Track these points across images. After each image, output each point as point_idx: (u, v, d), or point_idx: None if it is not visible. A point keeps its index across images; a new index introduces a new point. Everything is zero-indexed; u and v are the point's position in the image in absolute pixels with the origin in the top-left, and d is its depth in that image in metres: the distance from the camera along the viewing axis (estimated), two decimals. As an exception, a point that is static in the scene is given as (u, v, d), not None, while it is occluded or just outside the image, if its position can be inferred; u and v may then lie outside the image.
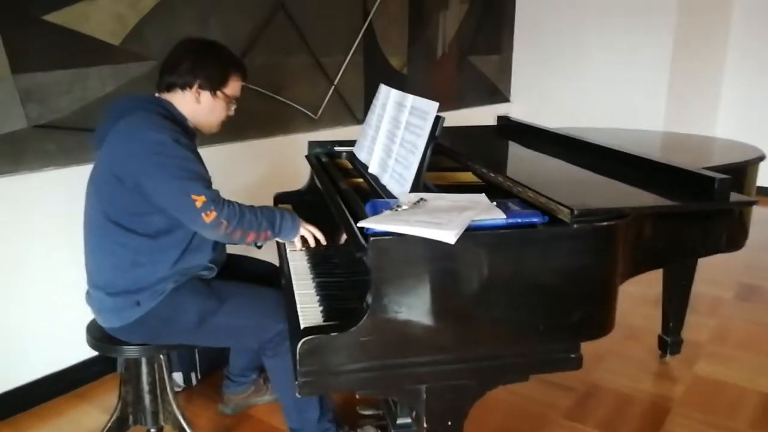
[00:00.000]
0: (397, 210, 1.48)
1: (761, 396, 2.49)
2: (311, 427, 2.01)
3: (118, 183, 1.76)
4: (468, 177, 2.16)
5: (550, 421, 2.34)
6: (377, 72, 4.00)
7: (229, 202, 1.76)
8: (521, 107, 5.58)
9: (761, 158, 2.27)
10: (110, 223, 1.80)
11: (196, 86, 1.87)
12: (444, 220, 1.37)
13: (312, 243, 1.93)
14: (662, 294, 2.72)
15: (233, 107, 1.99)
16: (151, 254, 1.82)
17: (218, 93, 1.91)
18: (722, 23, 5.58)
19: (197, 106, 1.90)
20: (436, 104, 1.71)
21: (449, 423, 1.50)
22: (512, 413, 2.40)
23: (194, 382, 2.61)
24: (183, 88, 1.88)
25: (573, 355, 1.49)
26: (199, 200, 1.70)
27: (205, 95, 1.90)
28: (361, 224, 1.40)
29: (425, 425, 1.49)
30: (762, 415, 2.36)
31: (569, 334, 1.47)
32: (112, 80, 2.55)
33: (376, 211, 1.50)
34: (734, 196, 1.52)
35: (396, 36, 4.22)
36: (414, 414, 1.91)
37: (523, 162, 2.27)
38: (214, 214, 1.71)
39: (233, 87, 1.95)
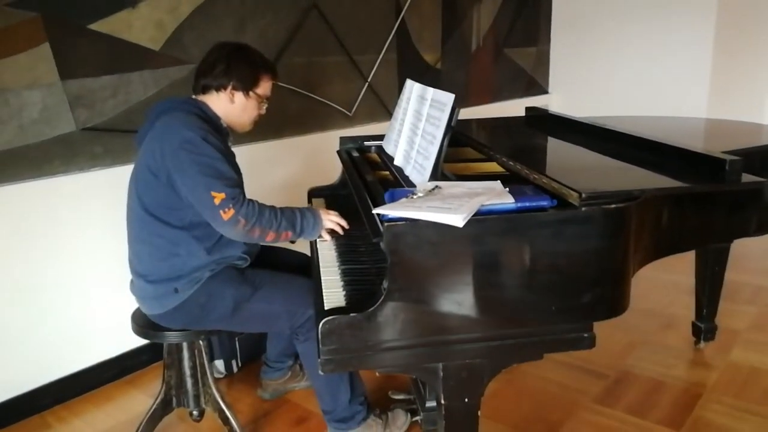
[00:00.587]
0: (412, 198, 1.55)
1: (798, 382, 2.46)
2: (343, 409, 2.10)
3: (154, 178, 1.88)
4: (492, 167, 2.20)
5: (580, 406, 2.38)
6: (411, 68, 4.07)
7: (250, 201, 1.84)
8: (560, 99, 5.55)
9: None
10: (148, 215, 1.93)
11: (230, 88, 1.99)
12: (454, 205, 1.43)
13: (340, 231, 2.01)
14: (695, 280, 2.71)
15: (264, 106, 2.10)
16: (186, 245, 1.93)
17: (250, 93, 2.02)
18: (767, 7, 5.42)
19: (231, 106, 2.02)
20: (453, 95, 1.77)
21: (466, 400, 1.56)
22: (543, 399, 2.44)
23: (235, 369, 2.74)
24: (218, 89, 1.99)
25: (585, 335, 1.54)
26: (218, 197, 1.79)
27: (239, 96, 2.01)
28: (376, 211, 1.48)
29: (443, 401, 1.56)
30: (797, 400, 2.34)
31: (581, 314, 1.51)
32: (153, 84, 2.69)
33: (394, 200, 1.57)
34: (746, 178, 1.53)
35: (429, 32, 4.27)
36: (434, 392, 1.97)
37: (544, 151, 2.30)
38: (231, 212, 1.79)
39: (264, 87, 2.06)
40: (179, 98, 2.04)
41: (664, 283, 3.46)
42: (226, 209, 1.80)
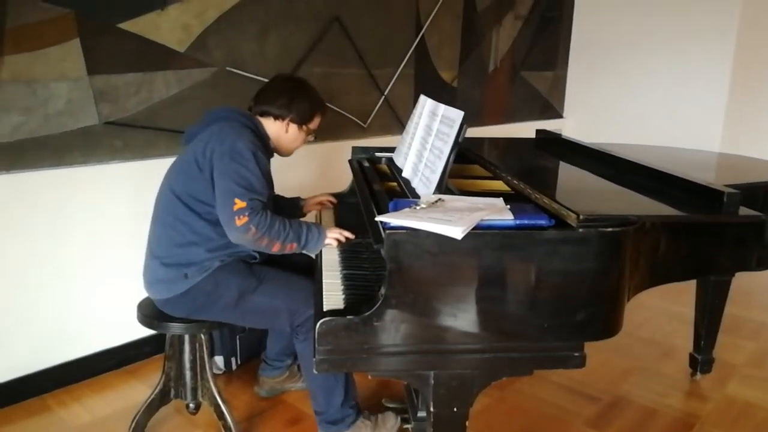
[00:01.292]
0: (415, 208, 1.60)
1: (791, 419, 2.47)
2: (334, 411, 2.14)
3: (199, 171, 2.01)
4: (498, 185, 2.25)
5: (572, 427, 2.40)
6: (428, 85, 4.14)
7: (264, 212, 1.94)
8: (574, 123, 5.60)
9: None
10: (179, 201, 2.04)
11: (288, 119, 2.18)
12: (455, 218, 1.48)
13: (343, 240, 2.09)
14: (695, 311, 2.72)
15: (311, 138, 2.32)
16: (206, 237, 2.03)
17: (304, 127, 2.23)
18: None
19: (284, 134, 2.21)
20: (462, 113, 1.83)
21: (455, 409, 1.59)
22: (535, 418, 2.46)
23: (234, 366, 2.79)
24: (276, 118, 2.18)
25: (576, 354, 1.57)
26: (238, 204, 1.90)
27: (293, 127, 2.21)
28: (378, 218, 1.53)
29: (432, 409, 1.59)
30: (788, 437, 2.35)
31: (573, 333, 1.54)
32: (176, 84, 2.77)
33: (397, 209, 1.62)
34: (743, 211, 1.56)
35: (448, 50, 4.34)
36: (423, 399, 2.01)
37: (549, 172, 2.35)
38: (245, 219, 1.90)
39: (316, 122, 2.28)
40: (240, 110, 2.17)
41: (667, 313, 3.47)
42: (242, 216, 1.90)
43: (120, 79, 2.59)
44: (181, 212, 2.04)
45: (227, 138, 1.99)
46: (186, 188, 2.04)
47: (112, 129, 2.60)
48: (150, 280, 2.11)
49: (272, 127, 2.18)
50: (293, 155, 2.34)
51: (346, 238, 2.09)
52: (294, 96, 2.18)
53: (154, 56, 2.69)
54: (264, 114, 2.18)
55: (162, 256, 2.06)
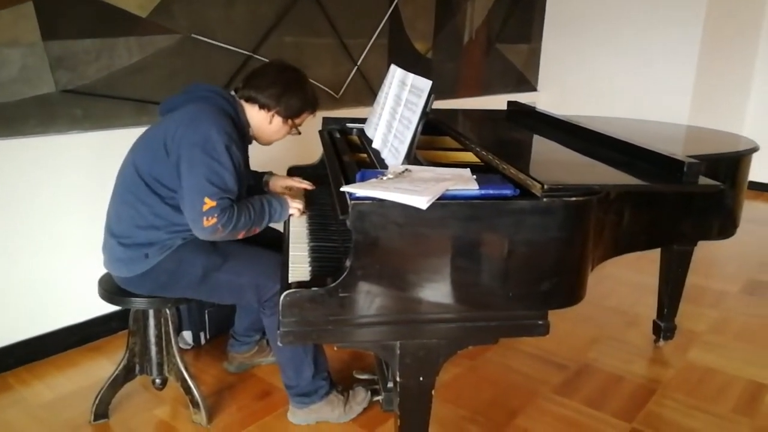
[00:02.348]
0: (382, 179, 1.58)
1: (748, 383, 2.53)
2: (306, 384, 2.13)
3: (165, 154, 1.91)
4: (469, 157, 2.24)
5: (540, 395, 2.43)
6: (402, 56, 4.08)
7: (231, 209, 1.87)
8: (548, 96, 5.60)
9: (755, 149, 2.31)
10: (142, 181, 1.95)
11: (274, 111, 2.08)
12: (421, 188, 1.47)
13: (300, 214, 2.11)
14: (659, 281, 2.77)
15: (294, 133, 2.21)
16: (167, 221, 1.96)
17: (289, 121, 2.13)
18: (754, 19, 5.50)
19: (266, 125, 2.11)
20: (430, 82, 1.80)
21: (421, 378, 1.60)
22: (504, 386, 2.49)
23: (203, 341, 2.76)
24: (261, 107, 2.07)
25: (541, 322, 1.58)
26: (208, 204, 1.83)
27: (278, 120, 2.11)
28: (344, 188, 1.50)
29: (398, 379, 1.60)
30: (746, 401, 2.41)
31: (537, 301, 1.55)
32: (138, 51, 2.69)
33: (364, 180, 1.60)
34: (702, 180, 1.58)
35: (422, 21, 4.29)
36: (390, 370, 2.02)
37: (518, 144, 2.34)
38: (213, 221, 1.83)
39: (303, 118, 2.18)
40: (218, 88, 2.06)
41: (632, 283, 3.52)
42: (210, 217, 1.83)
43: (78, 45, 2.49)
44: (143, 193, 1.95)
45: (201, 125, 1.88)
46: (150, 169, 1.94)
47: (71, 97, 2.52)
48: (109, 258, 2.05)
49: (255, 115, 2.09)
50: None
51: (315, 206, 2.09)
52: (287, 89, 2.07)
53: (114, 21, 2.59)
54: (250, 100, 2.07)
55: (120, 236, 1.99)
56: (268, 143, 2.21)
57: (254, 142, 2.19)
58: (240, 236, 1.93)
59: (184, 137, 1.87)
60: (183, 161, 1.86)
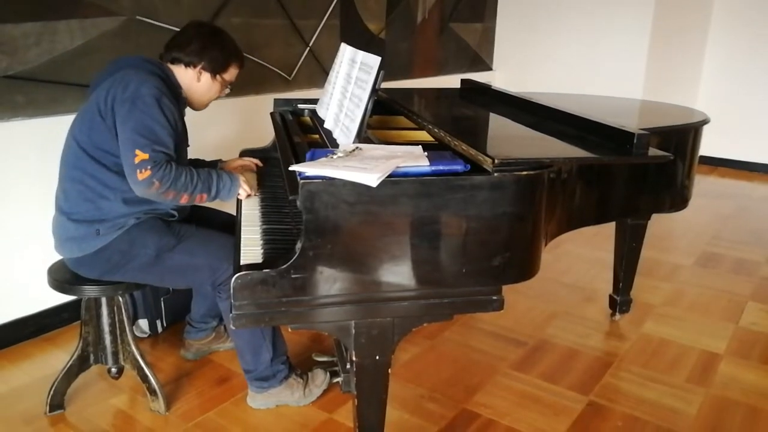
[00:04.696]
0: (332, 157, 1.56)
1: (701, 354, 2.60)
2: (264, 369, 2.11)
3: (101, 120, 1.89)
4: (423, 135, 2.23)
5: (498, 371, 2.45)
6: (354, 36, 4.04)
7: (168, 165, 1.84)
8: (504, 75, 5.62)
9: (705, 122, 2.35)
10: (86, 154, 1.92)
11: (199, 67, 2.06)
12: (371, 166, 1.45)
13: (249, 195, 2.07)
14: (614, 255, 2.81)
15: (227, 91, 2.20)
16: (117, 190, 1.92)
17: (217, 77, 2.10)
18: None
19: (196, 83, 2.09)
20: (379, 58, 1.78)
21: (377, 357, 1.59)
22: (464, 364, 2.50)
23: (160, 329, 2.71)
24: (187, 65, 2.06)
25: (495, 298, 1.59)
26: (140, 157, 1.80)
27: (206, 76, 2.08)
28: (293, 168, 1.48)
29: (354, 359, 1.59)
30: (699, 370, 2.47)
31: (491, 277, 1.56)
32: (81, 34, 2.60)
33: (314, 159, 1.58)
34: (652, 152, 1.59)
35: (374, 1, 4.24)
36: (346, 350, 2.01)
37: (470, 120, 2.34)
38: (148, 173, 1.80)
39: (231, 73, 2.15)
40: (149, 59, 2.04)
41: (589, 259, 3.58)
42: (143, 170, 1.80)
43: (17, 29, 2.39)
44: (88, 165, 1.92)
45: (130, 84, 1.86)
46: (90, 138, 1.92)
47: (12, 83, 2.42)
48: (60, 238, 2.00)
49: (184, 76, 2.07)
50: (211, 110, 2.25)
51: (256, 165, 2.16)
52: (207, 43, 2.06)
53: (54, 3, 2.49)
54: (175, 61, 2.06)
55: (70, 212, 1.95)
56: (201, 105, 2.18)
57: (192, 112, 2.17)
58: (183, 201, 1.89)
59: (116, 97, 1.86)
60: (118, 119, 1.86)
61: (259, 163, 2.35)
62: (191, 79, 2.07)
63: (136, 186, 1.83)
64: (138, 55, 2.05)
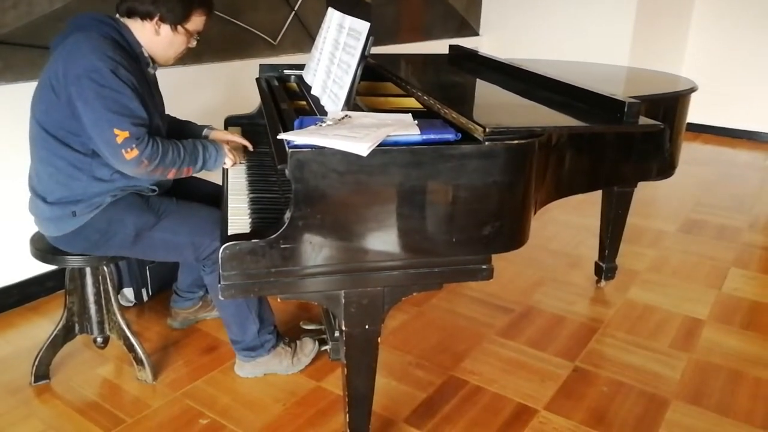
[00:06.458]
0: (321, 126, 1.54)
1: (685, 319, 2.64)
2: (251, 339, 2.11)
3: (56, 98, 1.78)
4: (411, 102, 2.20)
5: (485, 338, 2.47)
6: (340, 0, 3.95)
7: (153, 140, 1.77)
8: (491, 41, 5.56)
9: (693, 90, 2.35)
10: (48, 135, 1.83)
11: (156, 18, 1.86)
12: (361, 135, 1.43)
13: (234, 163, 2.01)
14: (600, 222, 2.83)
15: (194, 41, 1.99)
16: (88, 170, 1.85)
17: (179, 28, 1.90)
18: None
19: (156, 37, 1.90)
20: (368, 24, 1.74)
21: (366, 326, 1.59)
22: (451, 331, 2.52)
23: (145, 298, 2.69)
24: (143, 18, 1.86)
25: (484, 267, 1.59)
26: (122, 135, 1.71)
27: (165, 28, 1.89)
28: (281, 136, 1.45)
29: (344, 328, 1.59)
30: (682, 336, 2.51)
31: (481, 246, 1.55)
32: (59, -4, 2.51)
33: (303, 128, 1.55)
34: (643, 120, 1.59)
35: (361, -37, 4.14)
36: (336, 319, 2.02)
37: (460, 87, 2.31)
38: (135, 153, 1.73)
39: (196, 22, 1.93)
40: (100, 16, 1.87)
41: (575, 226, 3.60)
42: (129, 149, 1.72)
43: (-8, -9, 2.32)
44: (54, 147, 1.83)
45: (81, 56, 1.72)
46: (49, 118, 1.81)
47: (-12, 47, 2.35)
48: (38, 217, 1.95)
49: (141, 30, 1.87)
50: (193, 75, 2.19)
51: (245, 147, 2.06)
52: None
53: (30, -36, 2.41)
54: (130, 13, 1.86)
55: (44, 194, 1.89)
56: (166, 60, 1.98)
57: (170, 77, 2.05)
58: (170, 175, 1.84)
59: (68, 72, 1.72)
60: (76, 99, 1.72)
61: (250, 147, 2.15)
62: (150, 33, 1.88)
63: (124, 166, 1.76)
64: (92, 14, 1.88)
